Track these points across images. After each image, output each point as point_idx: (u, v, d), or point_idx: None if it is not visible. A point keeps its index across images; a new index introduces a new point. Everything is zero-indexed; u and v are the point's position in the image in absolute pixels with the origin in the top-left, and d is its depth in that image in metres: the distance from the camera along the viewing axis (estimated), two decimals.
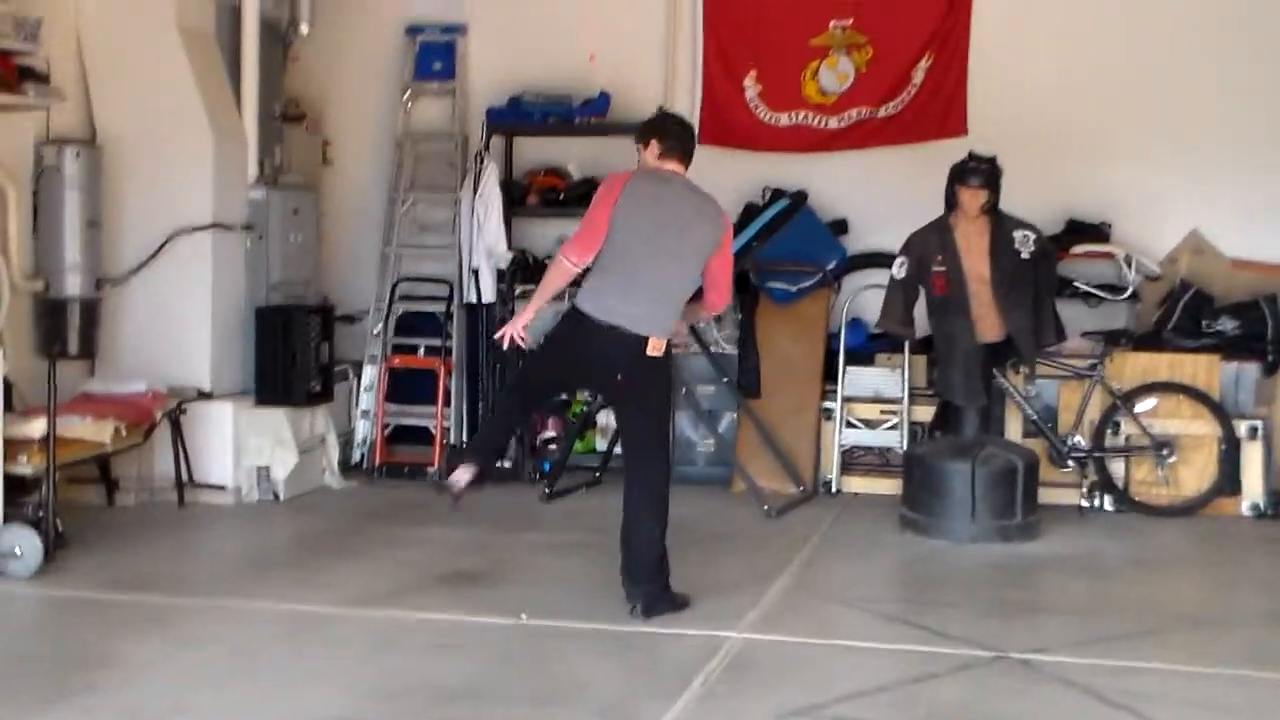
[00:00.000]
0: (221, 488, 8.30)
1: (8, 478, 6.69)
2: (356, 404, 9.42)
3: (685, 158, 6.25)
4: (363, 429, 9.34)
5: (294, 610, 6.14)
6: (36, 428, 6.83)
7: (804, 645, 5.78)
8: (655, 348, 6.01)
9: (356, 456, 9.30)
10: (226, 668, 5.42)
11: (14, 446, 6.75)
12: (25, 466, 6.78)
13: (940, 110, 9.41)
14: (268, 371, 8.50)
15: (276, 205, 8.89)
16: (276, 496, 8.40)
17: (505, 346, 6.35)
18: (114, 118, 8.43)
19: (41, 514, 6.74)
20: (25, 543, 6.52)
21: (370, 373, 9.41)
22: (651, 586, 6.05)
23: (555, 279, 6.18)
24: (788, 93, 9.64)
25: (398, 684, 5.23)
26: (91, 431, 7.30)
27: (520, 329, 6.16)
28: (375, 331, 9.47)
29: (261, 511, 8.26)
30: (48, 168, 8.01)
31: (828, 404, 9.02)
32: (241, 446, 8.35)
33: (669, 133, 6.28)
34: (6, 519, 6.59)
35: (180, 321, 8.39)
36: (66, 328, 8.00)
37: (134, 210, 8.38)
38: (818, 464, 8.99)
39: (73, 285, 8.00)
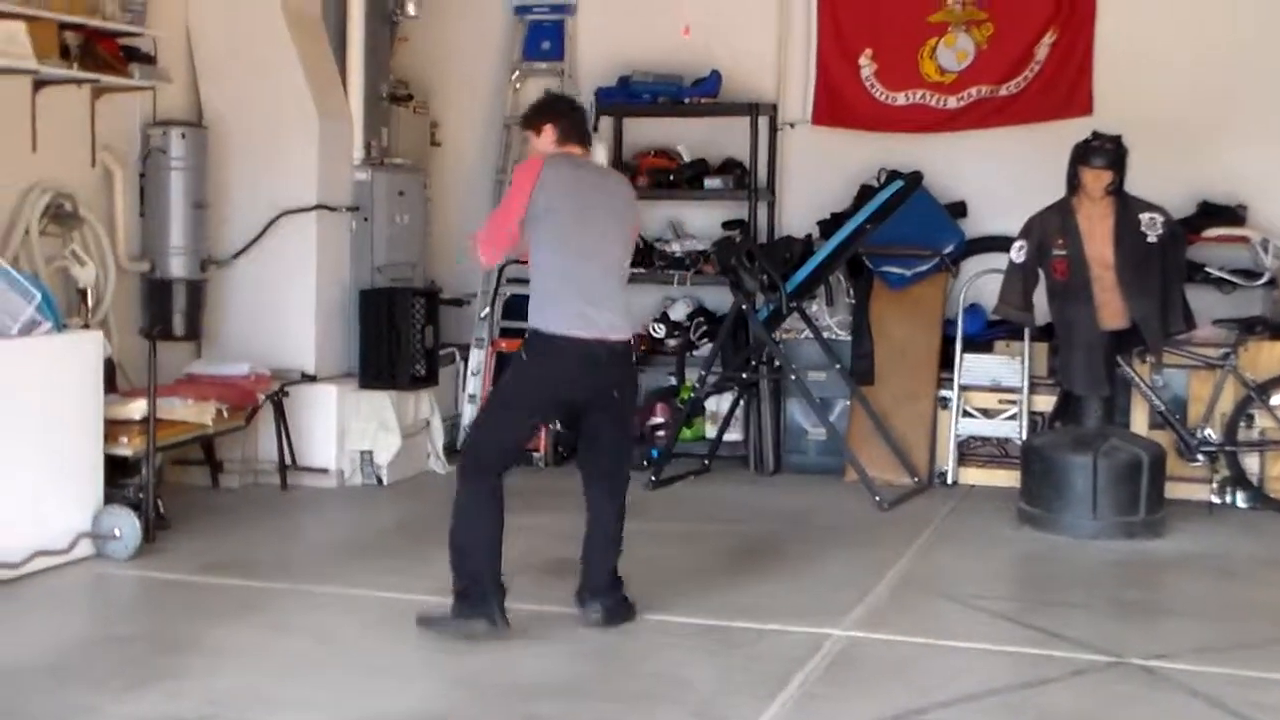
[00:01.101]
0: (324, 471, 8.24)
1: (110, 459, 6.67)
2: (463, 388, 9.31)
3: (585, 140, 5.78)
4: (469, 413, 9.22)
5: (389, 598, 6.03)
6: (137, 409, 6.81)
7: (910, 645, 5.54)
8: (637, 349, 5.79)
9: (462, 441, 9.18)
10: (316, 656, 5.32)
11: (115, 428, 6.74)
12: (125, 448, 6.76)
13: (1064, 88, 9.05)
14: (372, 355, 8.42)
15: (382, 187, 8.79)
16: (380, 481, 8.32)
17: None
18: (220, 99, 8.41)
19: (142, 495, 6.71)
20: (125, 524, 6.49)
21: (477, 356, 9.30)
22: (614, 595, 5.73)
23: None
24: (905, 71, 9.35)
25: (488, 677, 5.10)
26: (193, 413, 7.26)
27: None
28: (482, 315, 9.36)
29: (364, 496, 8.18)
30: (154, 149, 8.00)
31: (944, 392, 8.75)
32: (345, 430, 8.29)
33: (564, 115, 5.77)
34: (107, 500, 6.57)
35: (285, 304, 8.35)
36: (171, 309, 7.99)
37: (239, 192, 8.36)
38: (932, 454, 8.72)
39: (178, 267, 8.00)
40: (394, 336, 8.39)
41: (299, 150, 8.36)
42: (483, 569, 5.47)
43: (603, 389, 5.60)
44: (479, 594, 5.44)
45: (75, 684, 4.88)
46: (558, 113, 5.79)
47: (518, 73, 9.84)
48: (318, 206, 8.36)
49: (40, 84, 7.30)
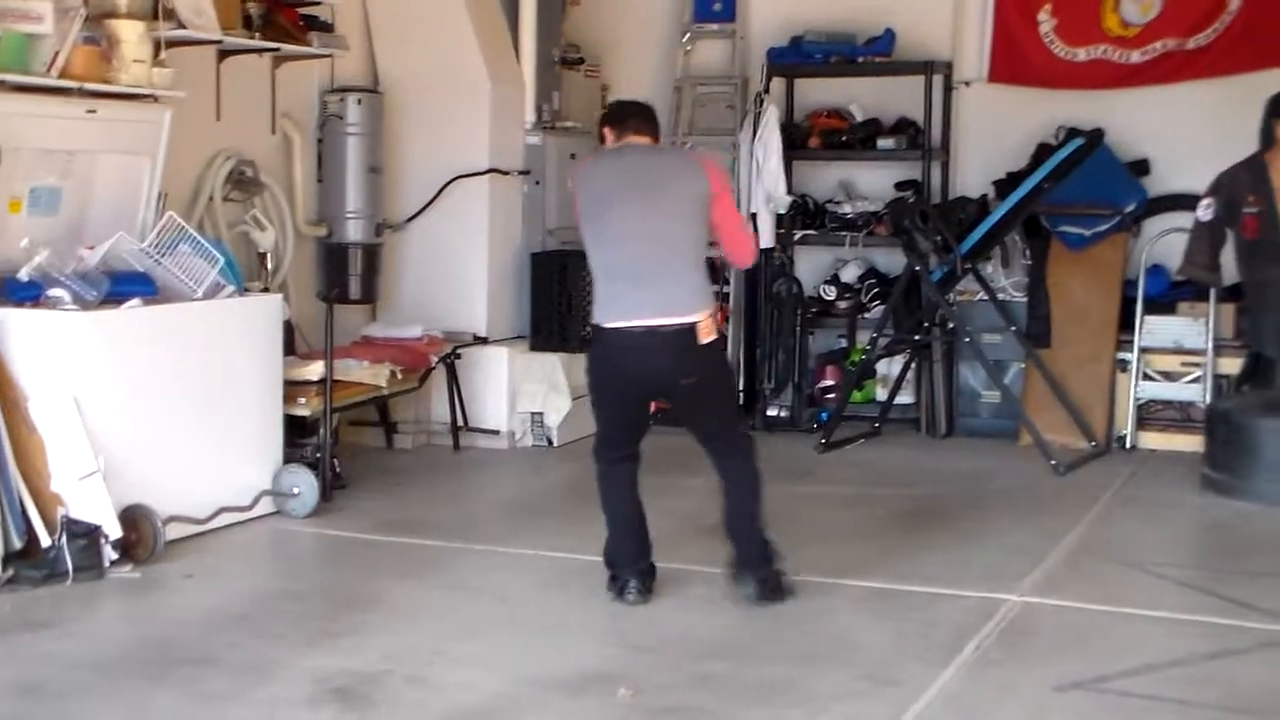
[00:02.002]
0: (496, 432, 8.33)
1: (289, 419, 6.83)
2: None
3: (646, 132, 5.57)
4: None
5: (563, 559, 6.07)
6: (315, 370, 6.96)
7: (1088, 611, 5.41)
8: (706, 331, 5.29)
9: None
10: (489, 614, 5.39)
11: (294, 389, 6.89)
12: (304, 408, 6.90)
13: (1259, 39, 8.68)
14: (543, 317, 8.48)
15: (553, 150, 8.84)
16: (550, 442, 8.39)
17: None
18: (395, 65, 8.52)
19: (319, 455, 6.86)
20: (303, 483, 6.63)
21: None
22: (766, 569, 5.50)
23: None
24: (1086, 26, 9.07)
25: (657, 637, 5.11)
26: (368, 375, 7.39)
27: None
28: None
29: (535, 457, 8.26)
30: (331, 115, 8.14)
31: (1123, 355, 8.52)
32: (516, 392, 8.36)
33: (621, 116, 5.64)
34: (287, 460, 6.73)
35: (457, 267, 8.44)
36: (348, 273, 8.13)
37: (413, 156, 8.47)
38: (1111, 418, 8.51)
39: (354, 231, 8.13)
40: (565, 299, 8.44)
41: (472, 115, 8.43)
42: (613, 545, 5.56)
43: (666, 377, 5.38)
44: (612, 569, 5.54)
45: (261, 636, 5.01)
46: (615, 118, 5.66)
47: (688, 35, 9.77)
48: (490, 171, 8.44)
49: (224, 54, 7.46)
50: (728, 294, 9.17)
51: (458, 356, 8.15)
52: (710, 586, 5.64)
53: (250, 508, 6.51)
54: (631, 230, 5.30)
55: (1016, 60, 9.23)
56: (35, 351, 5.79)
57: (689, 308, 5.28)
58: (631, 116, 5.61)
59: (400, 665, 4.74)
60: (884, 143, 9.21)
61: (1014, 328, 8.48)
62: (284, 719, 4.33)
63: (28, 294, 5.91)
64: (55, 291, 5.87)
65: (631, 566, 5.47)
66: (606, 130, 5.64)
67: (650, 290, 5.25)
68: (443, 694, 4.53)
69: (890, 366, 8.94)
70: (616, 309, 5.28)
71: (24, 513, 5.54)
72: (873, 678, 4.71)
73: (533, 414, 8.39)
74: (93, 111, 6.42)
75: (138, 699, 4.45)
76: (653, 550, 5.57)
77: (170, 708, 4.39)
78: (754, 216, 9.03)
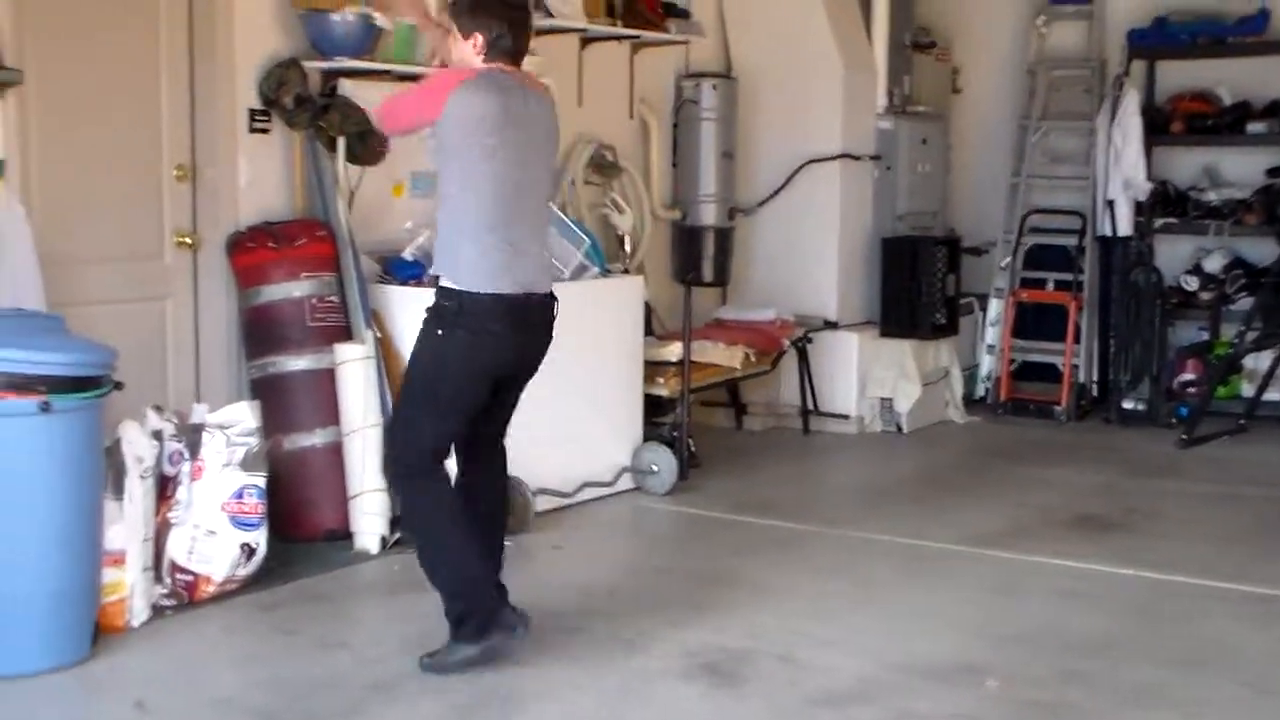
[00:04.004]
0: (845, 417, 8.34)
1: (647, 398, 7.00)
2: (981, 338, 9.19)
3: (518, 56, 4.57)
4: (987, 364, 9.11)
5: (914, 545, 6.05)
6: (673, 351, 7.10)
7: None
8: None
9: (980, 391, 9.09)
10: (848, 598, 5.40)
11: (653, 369, 7.05)
12: (662, 388, 7.06)
13: None
14: (893, 303, 8.45)
15: (904, 135, 8.78)
16: (899, 428, 8.35)
17: None
18: (748, 50, 8.60)
19: (676, 434, 7.00)
20: (662, 460, 6.79)
21: (996, 306, 9.15)
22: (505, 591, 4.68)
23: None
24: None
25: (1020, 629, 5.03)
26: (723, 357, 7.50)
27: None
28: (1003, 264, 9.19)
29: (883, 442, 8.24)
30: (687, 101, 8.29)
31: None
32: (866, 377, 8.35)
33: (505, 21, 4.50)
34: (646, 438, 6.90)
35: (808, 251, 8.48)
36: (701, 256, 8.27)
37: (766, 141, 8.54)
38: None
39: (708, 214, 8.27)
40: (915, 285, 8.38)
41: (824, 100, 8.44)
42: (471, 580, 4.56)
43: (529, 356, 4.68)
44: (473, 614, 4.50)
45: (631, 608, 5.16)
46: (488, 13, 4.50)
47: (1043, 16, 9.52)
48: (842, 155, 8.44)
49: (587, 41, 7.70)
50: (1081, 282, 8.94)
51: (809, 340, 8.19)
52: (1078, 580, 5.54)
53: (612, 483, 6.71)
54: (526, 201, 4.55)
55: None
56: (417, 327, 6.07)
57: (549, 279, 4.70)
58: (515, 32, 4.53)
59: (768, 644, 4.81)
60: (1254, 127, 8.82)
61: None
62: (658, 690, 4.45)
63: (411, 273, 6.22)
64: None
65: (499, 600, 4.56)
66: (477, 35, 4.50)
67: (534, 264, 4.58)
68: (811, 674, 4.57)
69: (1257, 361, 8.53)
70: (506, 277, 4.46)
71: None
72: (1256, 687, 4.54)
73: (882, 399, 8.36)
74: None
75: (518, 661, 4.61)
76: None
77: (551, 672, 4.56)
78: (1110, 204, 8.80)
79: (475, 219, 4.47)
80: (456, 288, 4.46)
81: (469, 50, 4.55)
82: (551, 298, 4.65)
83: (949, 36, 9.84)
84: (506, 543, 5.72)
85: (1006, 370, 9.00)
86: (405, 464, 4.59)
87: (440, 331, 4.50)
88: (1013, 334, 9.06)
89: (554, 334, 4.70)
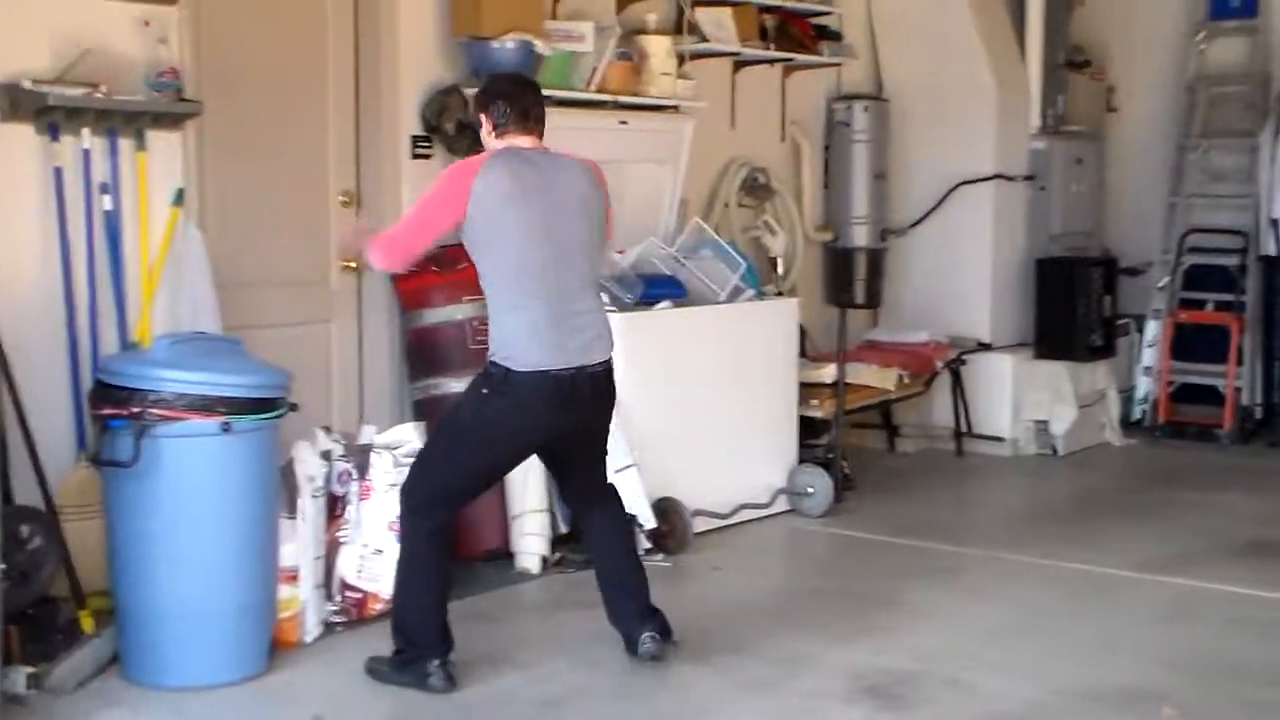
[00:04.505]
0: (999, 439, 8.24)
1: (802, 420, 6.99)
2: (1139, 360, 9.03)
3: (533, 125, 4.62)
4: (1145, 386, 8.94)
5: (1078, 570, 5.96)
6: (827, 373, 7.09)
7: None
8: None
9: (1137, 414, 8.92)
10: (1013, 623, 5.34)
11: (807, 391, 7.04)
12: (817, 410, 7.05)
13: None
14: (1048, 324, 8.34)
15: (1059, 155, 8.69)
16: (1054, 451, 8.24)
17: None
18: (900, 71, 8.57)
19: (830, 456, 6.98)
20: (817, 482, 6.78)
21: (1154, 328, 8.98)
22: (659, 614, 4.81)
23: None
24: None
25: (1193, 656, 4.94)
26: (876, 379, 7.47)
27: None
28: (1160, 285, 9.02)
29: (1038, 465, 8.13)
30: (838, 123, 8.30)
31: None
32: (1020, 399, 8.25)
33: (498, 97, 4.62)
34: (800, 460, 6.89)
35: (960, 272, 8.41)
36: (853, 277, 8.26)
37: (917, 162, 8.49)
38: None
39: (860, 236, 8.26)
40: (1071, 306, 8.27)
41: (976, 121, 8.38)
42: (424, 619, 4.58)
43: (578, 423, 4.63)
44: (414, 648, 4.57)
45: (793, 629, 5.15)
46: (490, 96, 4.65)
47: (1203, 33, 9.34)
48: (995, 176, 8.37)
49: (739, 65, 7.74)
50: (1244, 303, 8.75)
51: (962, 362, 8.12)
52: (1250, 608, 5.43)
53: (768, 505, 6.71)
54: (563, 267, 4.51)
55: None
56: None
57: (609, 348, 4.65)
58: (518, 110, 4.60)
59: (933, 666, 4.77)
60: None
61: None
62: (822, 712, 4.44)
63: None
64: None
65: (440, 646, 4.55)
66: (483, 117, 4.64)
67: (577, 334, 4.53)
68: (978, 698, 4.53)
69: None
70: (546, 353, 4.45)
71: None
72: None
73: (1036, 422, 8.26)
74: (624, 123, 6.80)
75: (680, 681, 4.66)
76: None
77: (713, 691, 4.59)
78: (1275, 222, 8.60)
79: (506, 298, 4.50)
80: (500, 360, 4.48)
81: (486, 136, 4.65)
82: (606, 366, 4.60)
83: (1104, 55, 9.70)
84: (665, 563, 5.80)
85: (1165, 392, 8.83)
86: (409, 498, 4.60)
87: (485, 391, 4.53)
88: (1171, 355, 8.89)
89: (612, 392, 4.68)
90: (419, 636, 4.54)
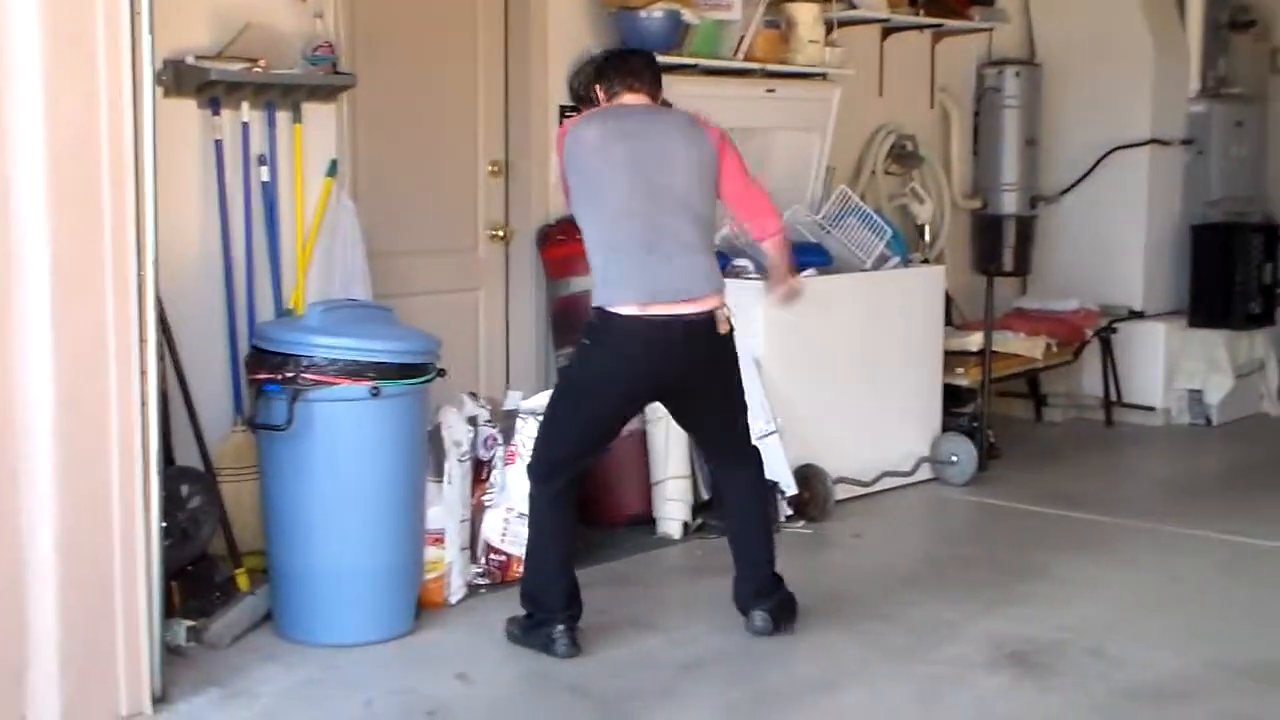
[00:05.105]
0: (1150, 409, 8.11)
1: (946, 388, 6.95)
2: None
3: (645, 86, 4.68)
4: None
5: (1229, 541, 5.86)
6: (974, 341, 7.04)
7: None
8: (723, 322, 4.55)
9: None
10: (1164, 593, 5.28)
11: (952, 359, 7.00)
12: (962, 378, 7.00)
13: None
14: (1204, 292, 8.17)
15: (1218, 118, 8.48)
16: (1208, 421, 8.08)
17: None
18: (1054, 36, 8.43)
19: (975, 425, 6.93)
20: (961, 451, 6.74)
21: None
22: (781, 593, 4.79)
23: None
24: None
25: None
26: (1024, 347, 7.39)
27: None
28: None
29: (1192, 435, 7.99)
30: (989, 89, 8.20)
31: None
32: (1173, 368, 8.10)
33: (608, 67, 4.79)
34: (944, 428, 6.85)
35: (1113, 239, 8.27)
36: (1002, 245, 8.17)
37: (1070, 128, 8.35)
38: None
39: (1009, 203, 8.17)
40: (1228, 273, 8.09)
41: (1132, 85, 8.22)
42: (546, 584, 4.65)
43: (681, 373, 4.56)
44: (539, 611, 4.65)
45: (935, 597, 5.15)
46: (599, 67, 4.89)
47: None
48: (1150, 141, 8.20)
49: (887, 31, 7.68)
50: None
51: (1113, 330, 8.00)
52: None
53: (910, 473, 6.69)
54: (652, 210, 4.51)
55: None
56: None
57: (706, 293, 4.54)
58: (628, 74, 4.71)
59: (1077, 636, 4.73)
60: None
61: None
62: (965, 679, 4.43)
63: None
64: (741, 261, 6.25)
65: (566, 611, 4.59)
66: (597, 87, 4.79)
67: (670, 275, 4.49)
68: (1124, 669, 4.49)
69: None
70: (635, 293, 4.46)
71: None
72: None
73: (1190, 391, 8.10)
74: (771, 91, 6.81)
75: (825, 644, 4.68)
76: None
77: (858, 659, 4.60)
78: None
79: (600, 245, 4.56)
80: (597, 305, 4.54)
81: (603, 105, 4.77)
82: (704, 315, 4.53)
83: (1270, 15, 9.40)
84: (806, 530, 5.83)
85: None
86: (533, 469, 4.68)
87: (586, 341, 4.63)
88: None
89: (724, 344, 4.60)
90: (545, 601, 4.60)
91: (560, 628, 4.55)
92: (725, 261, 6.23)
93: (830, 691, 4.34)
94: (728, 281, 5.78)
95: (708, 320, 4.53)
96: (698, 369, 4.57)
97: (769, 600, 4.74)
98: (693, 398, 4.68)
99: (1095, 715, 4.18)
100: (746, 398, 4.83)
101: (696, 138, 4.61)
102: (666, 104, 4.89)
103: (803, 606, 4.83)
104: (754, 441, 4.86)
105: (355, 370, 4.53)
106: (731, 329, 4.61)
